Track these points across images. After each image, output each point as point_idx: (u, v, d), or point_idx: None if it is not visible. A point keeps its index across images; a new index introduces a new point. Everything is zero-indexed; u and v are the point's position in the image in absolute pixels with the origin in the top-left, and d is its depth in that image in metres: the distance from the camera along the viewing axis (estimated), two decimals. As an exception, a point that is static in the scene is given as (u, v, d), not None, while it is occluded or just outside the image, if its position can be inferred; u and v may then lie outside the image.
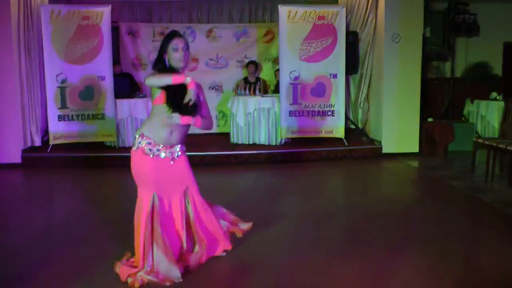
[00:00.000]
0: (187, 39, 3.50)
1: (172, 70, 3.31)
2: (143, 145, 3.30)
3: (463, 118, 9.41)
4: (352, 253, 3.85)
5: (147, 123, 3.37)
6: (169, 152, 3.37)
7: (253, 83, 8.62)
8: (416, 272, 3.50)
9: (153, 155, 3.31)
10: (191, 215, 3.48)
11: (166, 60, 3.31)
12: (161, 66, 3.32)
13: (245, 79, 8.87)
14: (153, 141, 3.31)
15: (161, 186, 3.37)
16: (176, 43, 3.29)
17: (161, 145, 3.33)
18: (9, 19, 7.27)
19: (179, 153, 3.42)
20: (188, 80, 3.13)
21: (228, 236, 3.70)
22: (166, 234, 3.32)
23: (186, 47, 3.33)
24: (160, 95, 3.25)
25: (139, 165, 3.33)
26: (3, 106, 7.40)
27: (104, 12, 7.65)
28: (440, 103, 9.70)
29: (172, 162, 3.38)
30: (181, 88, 3.16)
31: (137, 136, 3.34)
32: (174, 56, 3.29)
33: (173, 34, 3.35)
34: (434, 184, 6.42)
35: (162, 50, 3.32)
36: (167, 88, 3.21)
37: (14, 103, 7.48)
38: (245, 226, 3.80)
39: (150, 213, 3.30)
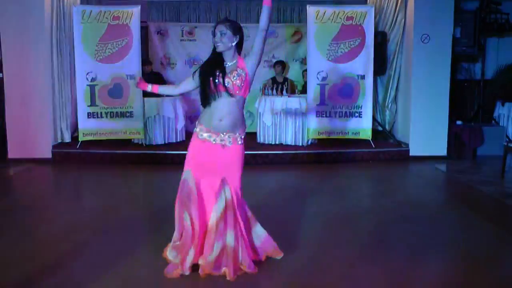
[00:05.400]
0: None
1: (215, 53, 3.47)
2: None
3: (493, 121, 9.23)
4: (376, 257, 3.84)
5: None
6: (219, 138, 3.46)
7: (281, 83, 8.62)
8: (440, 279, 3.47)
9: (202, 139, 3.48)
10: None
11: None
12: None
13: (273, 79, 8.86)
14: (204, 127, 3.47)
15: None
16: (217, 28, 3.41)
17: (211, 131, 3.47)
18: (42, 19, 7.46)
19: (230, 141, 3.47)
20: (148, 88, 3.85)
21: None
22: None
23: (223, 33, 3.39)
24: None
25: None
26: (35, 104, 7.60)
27: (134, 12, 7.75)
28: (470, 105, 9.54)
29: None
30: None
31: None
32: (214, 41, 3.42)
33: (218, 21, 3.48)
34: (462, 189, 6.33)
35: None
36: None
37: (45, 100, 7.69)
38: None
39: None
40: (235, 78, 3.38)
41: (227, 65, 3.44)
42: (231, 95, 3.39)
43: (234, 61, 3.44)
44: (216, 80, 3.38)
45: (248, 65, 3.43)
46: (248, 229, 3.59)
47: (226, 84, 3.37)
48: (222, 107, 3.40)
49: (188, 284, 3.34)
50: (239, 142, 3.48)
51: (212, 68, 3.44)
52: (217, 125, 3.42)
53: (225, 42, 3.38)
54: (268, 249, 3.67)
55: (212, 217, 3.42)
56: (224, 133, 3.43)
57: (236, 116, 3.44)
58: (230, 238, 3.40)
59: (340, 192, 6.08)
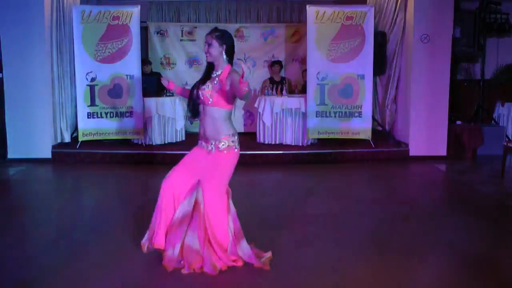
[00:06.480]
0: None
1: (207, 62, 3.60)
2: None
3: (492, 121, 9.24)
4: (375, 256, 3.86)
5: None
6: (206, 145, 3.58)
7: (279, 83, 8.62)
8: (439, 279, 3.48)
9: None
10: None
11: None
12: None
13: (271, 79, 8.87)
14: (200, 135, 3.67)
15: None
16: (205, 39, 3.52)
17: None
18: (42, 19, 7.44)
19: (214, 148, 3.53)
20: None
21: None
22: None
23: (210, 43, 3.47)
24: None
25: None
26: (35, 104, 7.60)
27: (134, 12, 7.76)
28: (469, 105, 9.54)
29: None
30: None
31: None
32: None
33: (208, 32, 3.55)
34: (461, 189, 6.34)
35: None
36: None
37: (45, 100, 7.68)
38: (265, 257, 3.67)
39: None
40: (204, 90, 3.49)
41: (213, 75, 3.54)
42: (210, 105, 3.49)
43: (220, 71, 3.51)
44: (195, 91, 3.56)
45: (228, 80, 3.41)
46: (236, 242, 3.56)
47: (199, 95, 3.53)
48: (204, 117, 3.55)
49: (187, 283, 3.35)
50: (222, 148, 3.49)
51: (200, 79, 3.61)
52: (203, 134, 3.57)
53: (212, 52, 3.47)
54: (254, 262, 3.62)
55: (177, 213, 3.51)
56: (210, 142, 3.53)
57: (218, 124, 3.50)
58: (193, 240, 3.47)
59: (340, 192, 6.08)
